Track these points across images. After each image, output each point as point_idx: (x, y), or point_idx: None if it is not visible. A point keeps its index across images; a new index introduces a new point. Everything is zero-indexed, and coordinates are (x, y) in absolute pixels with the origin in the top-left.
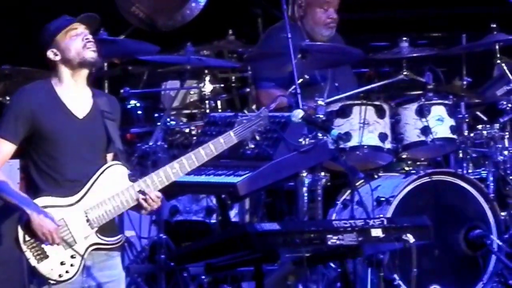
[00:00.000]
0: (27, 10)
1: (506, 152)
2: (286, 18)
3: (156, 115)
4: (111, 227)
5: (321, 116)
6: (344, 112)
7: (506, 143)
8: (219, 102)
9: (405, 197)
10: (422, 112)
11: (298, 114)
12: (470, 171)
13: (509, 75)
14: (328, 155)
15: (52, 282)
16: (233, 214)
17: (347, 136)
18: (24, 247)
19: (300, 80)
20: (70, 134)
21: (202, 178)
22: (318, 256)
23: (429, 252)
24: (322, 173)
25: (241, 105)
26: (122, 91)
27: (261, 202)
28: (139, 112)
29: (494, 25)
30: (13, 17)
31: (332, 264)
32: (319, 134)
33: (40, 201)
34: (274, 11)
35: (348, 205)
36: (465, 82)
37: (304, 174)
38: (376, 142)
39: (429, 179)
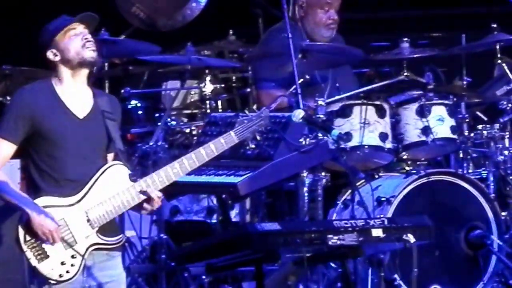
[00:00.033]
0: (27, 10)
1: (506, 152)
2: (287, 18)
3: (156, 115)
4: (111, 227)
5: (321, 116)
6: (345, 112)
7: (507, 143)
8: (219, 102)
9: (405, 197)
10: (422, 112)
11: (298, 114)
12: (470, 171)
13: (510, 75)
14: (328, 155)
15: (52, 282)
16: (233, 214)
17: (347, 136)
18: (24, 247)
19: (301, 80)
20: (71, 134)
21: (203, 178)
22: (319, 256)
23: (429, 252)
24: (323, 173)
25: (241, 105)
26: (122, 91)
27: (261, 202)
28: (140, 112)
29: (495, 25)
30: (13, 17)
31: (332, 264)
32: (320, 134)
33: (41, 201)
34: (274, 11)
35: (348, 205)
36: (465, 82)
37: (305, 174)
38: (376, 142)
39: (429, 179)
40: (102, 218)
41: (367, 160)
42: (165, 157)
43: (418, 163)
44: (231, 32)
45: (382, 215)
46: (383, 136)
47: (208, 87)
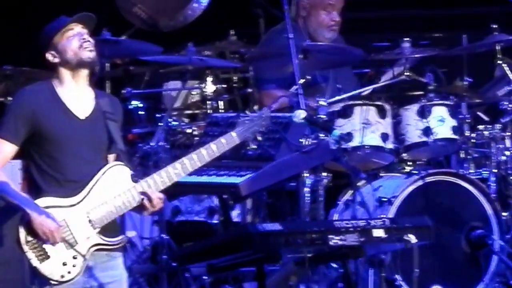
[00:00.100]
0: (28, 10)
1: (507, 153)
2: (288, 19)
3: (158, 115)
4: (113, 228)
5: (322, 116)
6: (346, 112)
7: (508, 143)
8: (221, 103)
9: (406, 198)
10: (423, 113)
11: (299, 115)
12: (471, 171)
13: (510, 75)
14: (329, 155)
15: (53, 282)
16: (235, 214)
17: (348, 136)
18: (25, 248)
19: (302, 80)
20: (72, 134)
21: (204, 179)
22: (320, 256)
23: (430, 253)
24: (324, 174)
25: (243, 105)
26: (124, 91)
27: (263, 202)
28: (141, 112)
29: (495, 26)
30: (13, 17)
31: (334, 265)
32: (321, 135)
33: (42, 201)
34: (275, 11)
35: (349, 206)
36: (466, 83)
37: (306, 175)
38: (377, 142)
39: (430, 180)
40: (103, 218)
41: (368, 161)
42: (166, 158)
43: (419, 163)
44: (232, 32)
45: (383, 216)
46: (384, 137)
47: (209, 88)
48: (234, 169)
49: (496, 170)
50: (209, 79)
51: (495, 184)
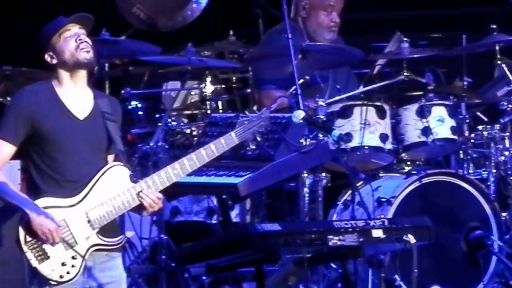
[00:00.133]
0: (27, 10)
1: (506, 153)
2: (287, 19)
3: (157, 115)
4: (112, 228)
5: (322, 116)
6: (345, 112)
7: (507, 144)
8: (220, 103)
9: (406, 198)
10: (422, 113)
11: (299, 115)
12: (470, 171)
13: (510, 76)
14: (329, 155)
15: (53, 283)
16: (234, 214)
17: (348, 136)
18: (25, 248)
19: (301, 80)
20: (71, 135)
21: (203, 179)
22: (319, 256)
23: (429, 253)
24: (323, 174)
25: (242, 106)
26: (123, 91)
27: (262, 202)
28: (140, 112)
29: (495, 26)
30: (13, 17)
31: (333, 265)
32: (320, 135)
33: (41, 202)
34: (274, 11)
35: (349, 206)
36: (465, 83)
37: (305, 175)
38: (377, 142)
39: (429, 180)
40: (102, 219)
41: (367, 161)
42: (166, 158)
43: (418, 163)
44: (231, 32)
45: (382, 216)
46: (383, 137)
47: (209, 88)
48: (233, 169)
49: (495, 171)
50: (208, 80)
51: (494, 185)
